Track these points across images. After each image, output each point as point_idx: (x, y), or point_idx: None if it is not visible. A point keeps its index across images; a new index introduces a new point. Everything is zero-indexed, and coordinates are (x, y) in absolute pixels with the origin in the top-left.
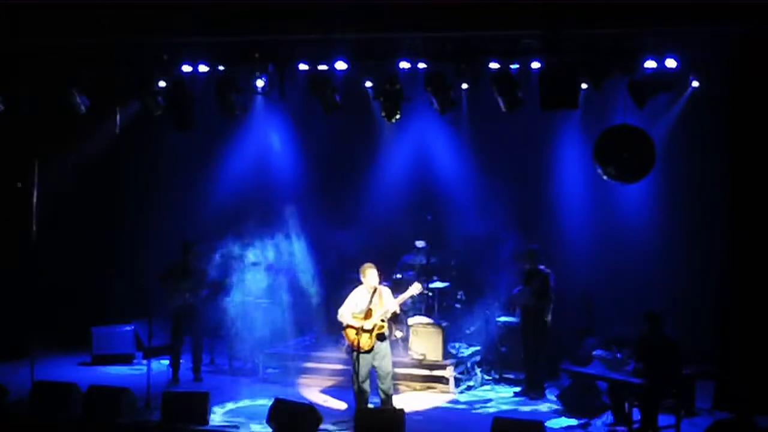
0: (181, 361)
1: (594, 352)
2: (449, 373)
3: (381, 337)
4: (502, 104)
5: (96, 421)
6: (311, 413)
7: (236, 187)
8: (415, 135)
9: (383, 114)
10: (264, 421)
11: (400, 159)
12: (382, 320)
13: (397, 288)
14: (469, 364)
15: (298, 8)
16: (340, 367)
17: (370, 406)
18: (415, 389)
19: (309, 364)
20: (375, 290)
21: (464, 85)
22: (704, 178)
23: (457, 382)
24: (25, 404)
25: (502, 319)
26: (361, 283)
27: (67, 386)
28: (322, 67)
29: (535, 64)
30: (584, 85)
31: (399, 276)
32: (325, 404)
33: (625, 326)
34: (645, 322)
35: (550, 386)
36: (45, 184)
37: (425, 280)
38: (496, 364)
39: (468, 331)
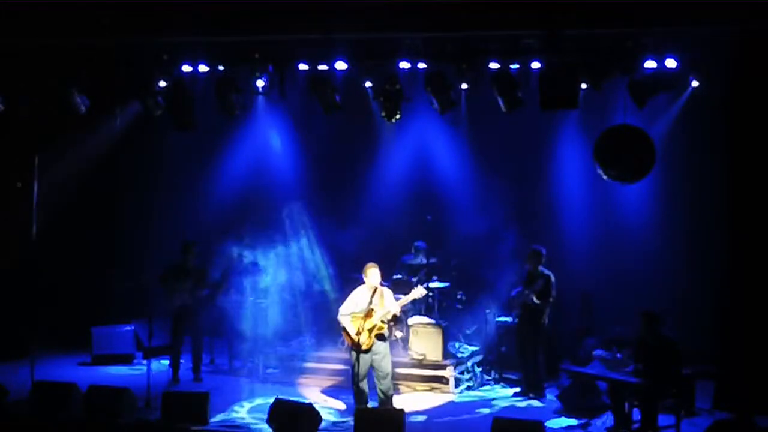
0: (181, 361)
1: (594, 352)
2: (449, 373)
3: (380, 337)
4: (502, 104)
5: (96, 421)
6: (311, 413)
7: (236, 187)
8: (415, 135)
9: (383, 114)
10: None
11: (400, 159)
12: (383, 321)
13: (396, 288)
14: (469, 364)
15: (298, 8)
16: (340, 367)
17: (370, 405)
18: (415, 389)
19: (309, 364)
20: (375, 290)
21: (464, 85)
22: (704, 178)
23: (457, 382)
24: (25, 404)
25: (502, 319)
26: (361, 282)
27: (67, 386)
28: (322, 67)
29: (535, 64)
30: (584, 85)
31: (399, 276)
32: (325, 404)
33: (625, 326)
34: (642, 322)
35: (550, 386)
36: (45, 184)
37: (425, 280)
38: (496, 364)
39: (468, 331)
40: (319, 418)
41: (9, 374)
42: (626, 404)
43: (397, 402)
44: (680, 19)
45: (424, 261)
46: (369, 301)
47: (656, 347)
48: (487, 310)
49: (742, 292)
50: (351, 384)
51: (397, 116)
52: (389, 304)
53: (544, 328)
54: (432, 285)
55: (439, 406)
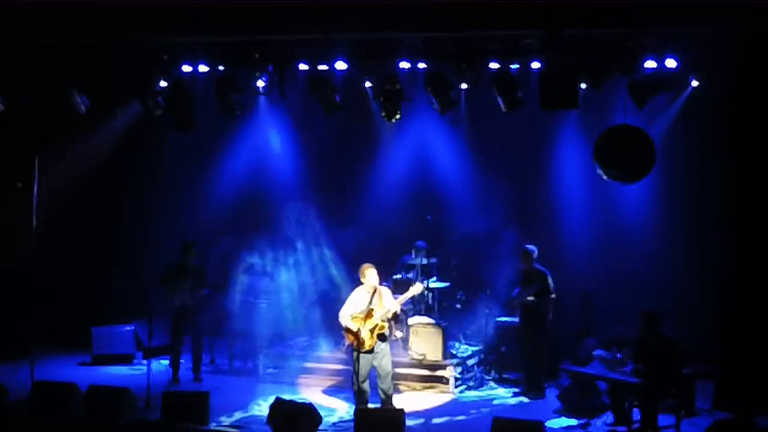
0: (181, 361)
1: (594, 352)
2: (449, 373)
3: (382, 337)
4: (502, 104)
5: (96, 421)
6: (311, 413)
7: (236, 187)
8: (415, 135)
9: (383, 114)
10: None
11: (400, 159)
12: (383, 320)
13: (397, 288)
14: (469, 364)
15: (298, 8)
16: (340, 367)
17: (370, 406)
18: (415, 389)
19: (309, 364)
20: (375, 290)
21: (464, 85)
22: (704, 177)
23: (457, 382)
24: (25, 404)
25: (502, 319)
26: (361, 283)
27: (67, 386)
28: (322, 67)
29: (535, 64)
30: (584, 85)
31: (399, 276)
32: (325, 404)
33: (625, 326)
34: (642, 322)
35: (550, 386)
36: (45, 184)
37: (425, 280)
38: (496, 364)
39: (468, 331)
40: (319, 418)
41: (9, 374)
42: (626, 404)
43: (397, 402)
44: (680, 19)
45: (425, 261)
46: (369, 302)
47: (656, 347)
48: (487, 310)
49: (742, 292)
50: (351, 384)
51: (397, 116)
52: (389, 303)
53: (547, 327)
54: (432, 285)
55: (439, 406)
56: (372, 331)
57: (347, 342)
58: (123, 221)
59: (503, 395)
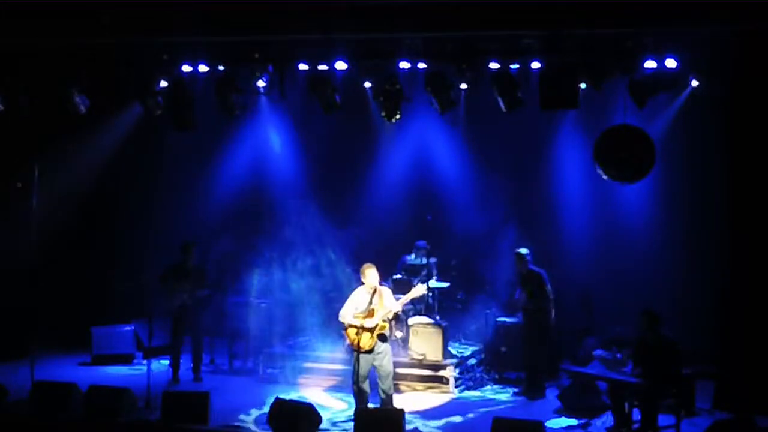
0: (181, 360)
1: (594, 352)
2: (449, 373)
3: (382, 338)
4: (502, 104)
5: (96, 421)
6: (311, 413)
7: (236, 186)
8: (415, 135)
9: (383, 114)
10: None
11: (399, 159)
12: (384, 320)
13: (397, 288)
14: (469, 364)
15: (298, 8)
16: (340, 367)
17: (370, 406)
18: (415, 389)
19: (309, 364)
20: (375, 290)
21: (464, 85)
22: (704, 177)
23: (457, 382)
24: (25, 404)
25: (502, 319)
26: (361, 283)
27: (67, 386)
28: (322, 67)
29: (535, 64)
30: (584, 85)
31: (399, 276)
32: (325, 404)
33: (625, 326)
34: (642, 322)
35: (550, 386)
36: (45, 184)
37: (425, 280)
38: (496, 364)
39: (468, 331)
40: (319, 418)
41: (9, 374)
42: (626, 404)
43: (397, 402)
44: (680, 19)
45: (425, 261)
46: (369, 302)
47: (656, 347)
48: (487, 310)
49: (742, 292)
50: (351, 384)
51: (397, 116)
52: (389, 303)
53: (550, 328)
54: (432, 285)
55: (439, 406)
56: (372, 331)
57: (347, 342)
58: (123, 221)
59: (503, 395)
